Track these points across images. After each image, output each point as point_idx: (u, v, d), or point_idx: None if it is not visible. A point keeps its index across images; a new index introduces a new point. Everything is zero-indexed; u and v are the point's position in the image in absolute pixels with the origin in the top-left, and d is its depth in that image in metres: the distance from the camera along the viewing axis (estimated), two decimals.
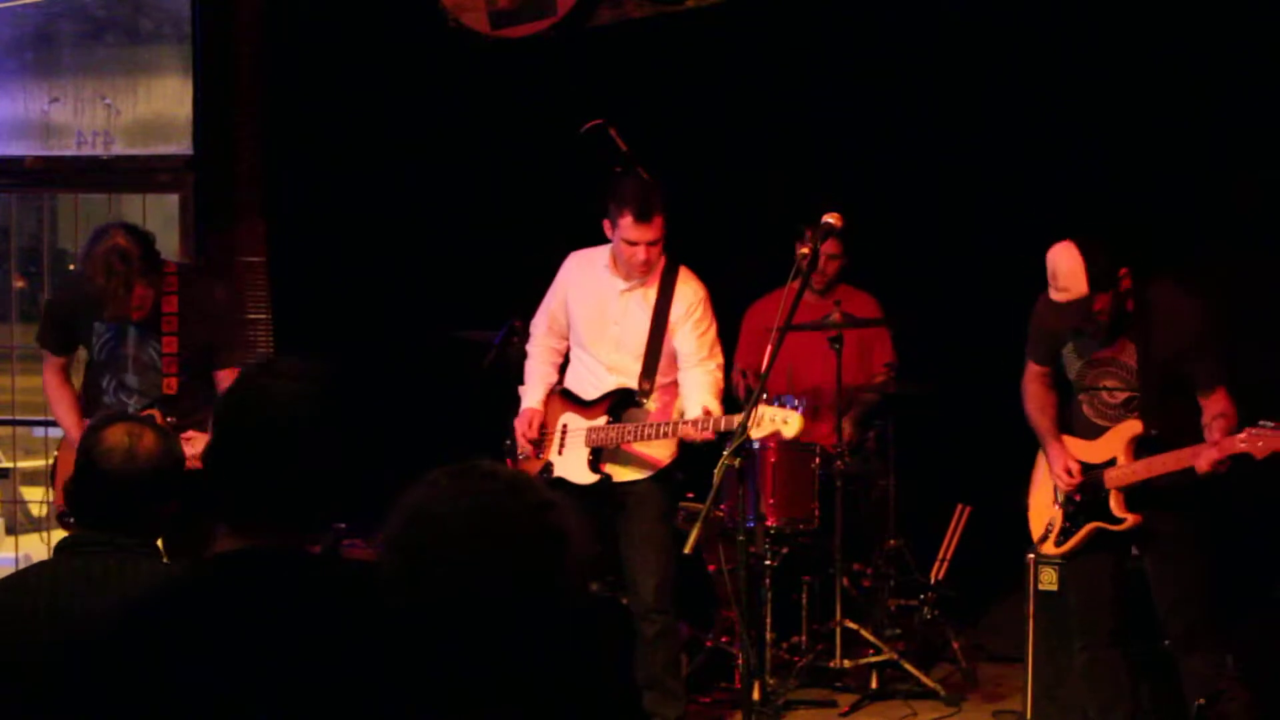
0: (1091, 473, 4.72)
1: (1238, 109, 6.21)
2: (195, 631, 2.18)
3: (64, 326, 5.28)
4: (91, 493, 2.96)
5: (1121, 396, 4.68)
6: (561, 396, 5.46)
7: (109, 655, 2.22)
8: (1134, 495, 4.65)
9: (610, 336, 5.36)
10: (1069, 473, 4.73)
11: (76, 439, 5.06)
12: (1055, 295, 4.56)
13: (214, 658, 2.15)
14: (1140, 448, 4.64)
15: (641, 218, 5.15)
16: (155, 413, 5.05)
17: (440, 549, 2.09)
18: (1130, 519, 4.65)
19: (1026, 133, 6.55)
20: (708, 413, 5.10)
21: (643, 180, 5.31)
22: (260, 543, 2.25)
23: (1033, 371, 4.92)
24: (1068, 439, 4.81)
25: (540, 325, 5.56)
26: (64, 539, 2.96)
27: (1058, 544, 4.84)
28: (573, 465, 5.31)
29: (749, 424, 4.67)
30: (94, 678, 2.22)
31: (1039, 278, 6.44)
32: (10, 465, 7.68)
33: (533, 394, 5.49)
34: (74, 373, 5.44)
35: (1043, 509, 4.90)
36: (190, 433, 4.93)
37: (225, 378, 5.18)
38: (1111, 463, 4.69)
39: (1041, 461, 4.92)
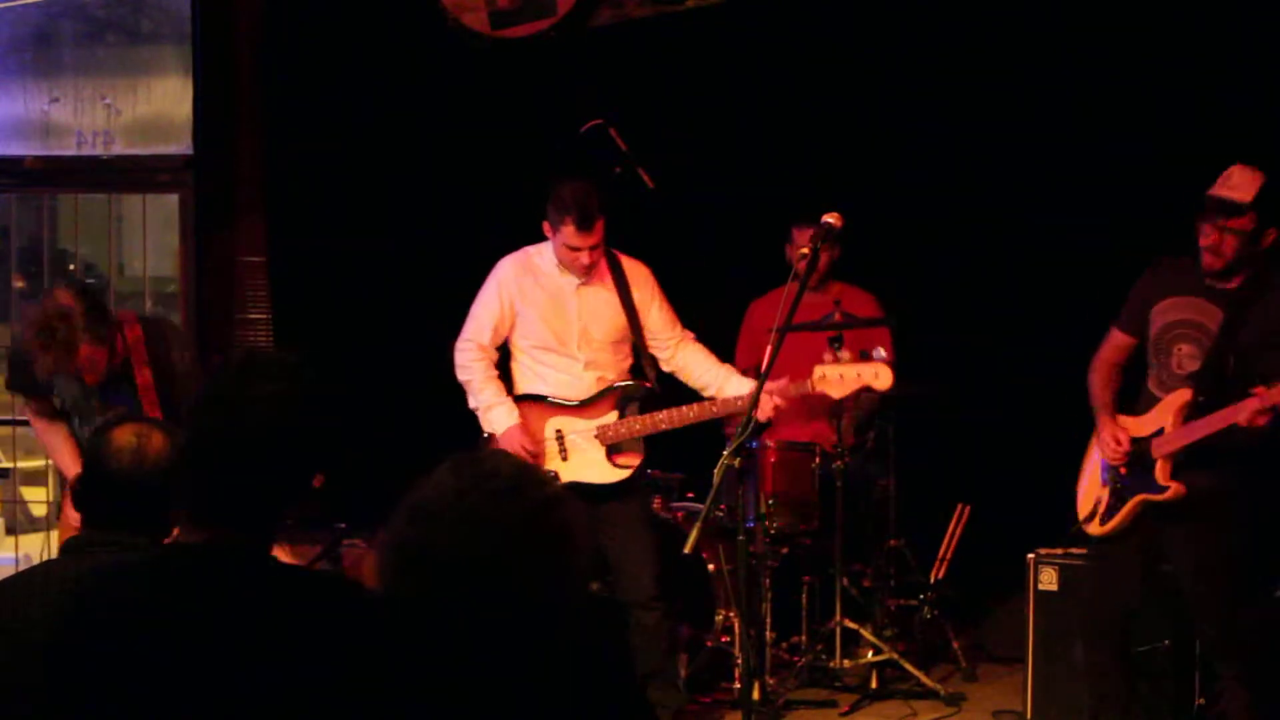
0: (1139, 444, 4.72)
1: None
2: (138, 619, 2.18)
3: (31, 378, 5.01)
4: (100, 493, 2.96)
5: (1190, 367, 4.63)
6: (539, 403, 5.40)
7: (53, 641, 2.24)
8: (1180, 465, 4.62)
9: (577, 333, 5.39)
10: (1117, 442, 4.73)
11: (70, 470, 4.93)
12: (1217, 189, 4.56)
13: (156, 645, 2.15)
14: (1189, 414, 4.60)
15: (583, 226, 5.19)
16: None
17: (441, 546, 2.08)
18: (1173, 488, 4.60)
19: (1028, 132, 6.54)
20: (786, 383, 5.21)
21: (580, 185, 5.30)
22: (220, 537, 2.25)
23: (1111, 340, 4.89)
24: (1121, 416, 4.80)
25: (482, 336, 5.41)
26: (71, 539, 2.96)
27: (1103, 522, 4.81)
28: (588, 467, 5.32)
29: (814, 389, 5.20)
30: (42, 666, 2.23)
31: (1039, 277, 6.48)
32: (10, 465, 7.67)
33: (504, 409, 5.36)
34: None
35: (1092, 489, 4.88)
36: None
37: None
38: (1159, 433, 4.67)
39: (1094, 443, 4.89)
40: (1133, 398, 4.84)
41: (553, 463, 5.33)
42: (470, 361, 5.42)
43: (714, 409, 5.30)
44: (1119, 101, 6.41)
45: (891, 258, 6.59)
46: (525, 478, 2.15)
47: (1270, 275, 4.60)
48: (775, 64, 6.78)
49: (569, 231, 5.21)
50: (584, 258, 5.25)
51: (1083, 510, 4.91)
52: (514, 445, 5.28)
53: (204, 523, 2.26)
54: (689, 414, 5.31)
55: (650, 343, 5.44)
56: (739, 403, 5.16)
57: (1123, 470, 4.74)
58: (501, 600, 2.08)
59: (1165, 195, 6.13)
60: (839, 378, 5.19)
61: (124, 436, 2.96)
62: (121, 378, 4.93)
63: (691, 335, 5.53)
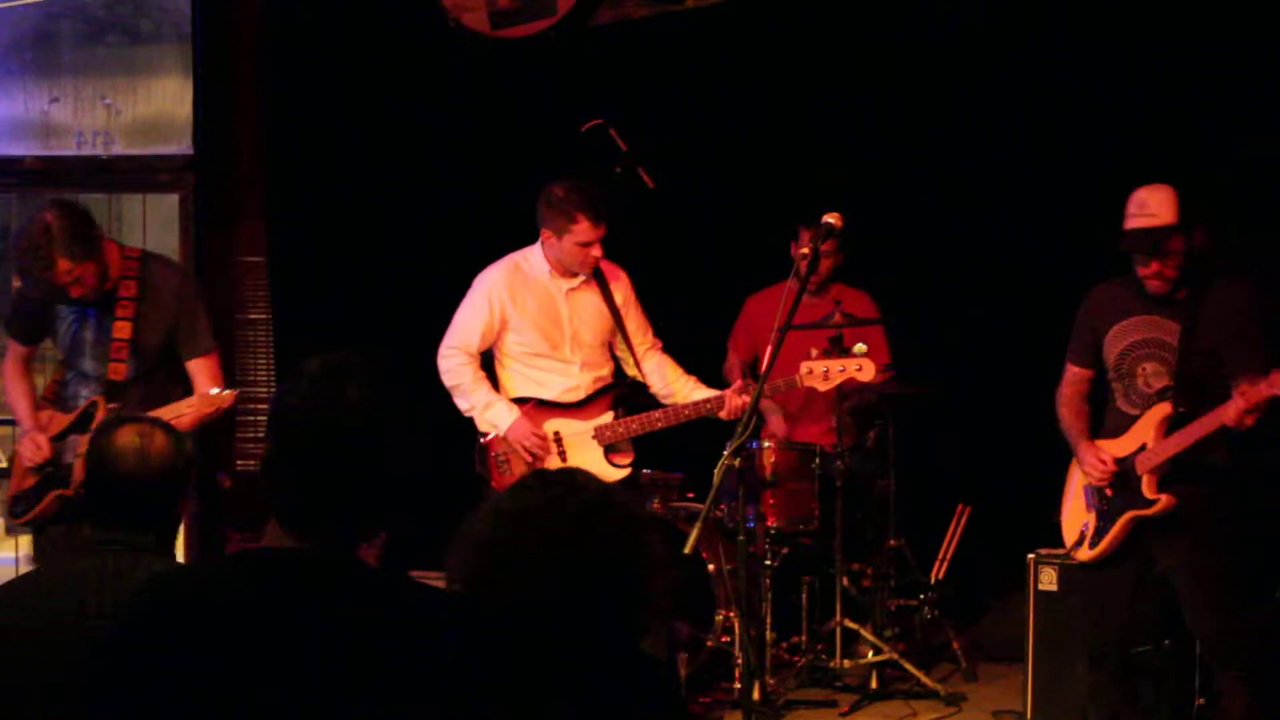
0: (1122, 463, 4.70)
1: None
2: (223, 623, 2.16)
3: (32, 314, 5.08)
4: (105, 494, 2.97)
5: (1158, 384, 4.61)
6: (535, 406, 5.42)
7: (125, 641, 2.21)
8: (1166, 478, 4.60)
9: (568, 337, 5.43)
10: (1102, 463, 4.70)
11: (29, 429, 4.99)
12: (1138, 221, 4.54)
13: (246, 651, 2.13)
14: (1171, 427, 4.58)
15: (599, 220, 5.25)
16: (99, 399, 4.89)
17: (532, 552, 2.12)
18: (1163, 500, 4.57)
19: (1027, 132, 6.54)
20: (740, 386, 5.32)
21: (584, 185, 5.35)
22: (311, 543, 2.22)
23: (1070, 376, 4.88)
24: (1100, 441, 4.78)
25: (470, 343, 5.43)
26: (79, 540, 2.97)
27: (1092, 546, 4.77)
28: (587, 467, 5.30)
29: (801, 384, 5.27)
30: (110, 666, 2.22)
31: (1040, 277, 6.48)
32: (6, 465, 7.67)
33: (502, 406, 5.39)
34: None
35: (1076, 516, 4.84)
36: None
37: (199, 368, 4.99)
38: (1142, 449, 4.65)
39: (1074, 469, 4.86)
40: (1097, 424, 4.84)
41: (552, 463, 5.34)
42: (457, 366, 5.43)
43: (709, 405, 5.33)
44: (1118, 100, 6.42)
45: (892, 258, 6.59)
46: (612, 495, 2.21)
47: (1211, 273, 4.59)
48: (775, 64, 6.79)
49: (583, 229, 5.24)
50: (595, 251, 5.30)
51: (1069, 537, 4.87)
52: (523, 436, 5.32)
53: (294, 528, 2.22)
54: (685, 412, 5.36)
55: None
56: (732, 399, 5.26)
57: (1108, 492, 4.72)
58: (584, 608, 2.13)
59: (1215, 205, 6.13)
60: (824, 372, 5.28)
61: (126, 437, 2.98)
62: (112, 301, 4.90)
63: (660, 344, 5.58)
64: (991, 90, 6.57)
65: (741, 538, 4.79)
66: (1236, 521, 4.63)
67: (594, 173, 5.63)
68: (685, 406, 5.37)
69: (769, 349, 4.50)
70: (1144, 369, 4.65)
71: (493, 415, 5.38)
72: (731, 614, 5.75)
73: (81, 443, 4.73)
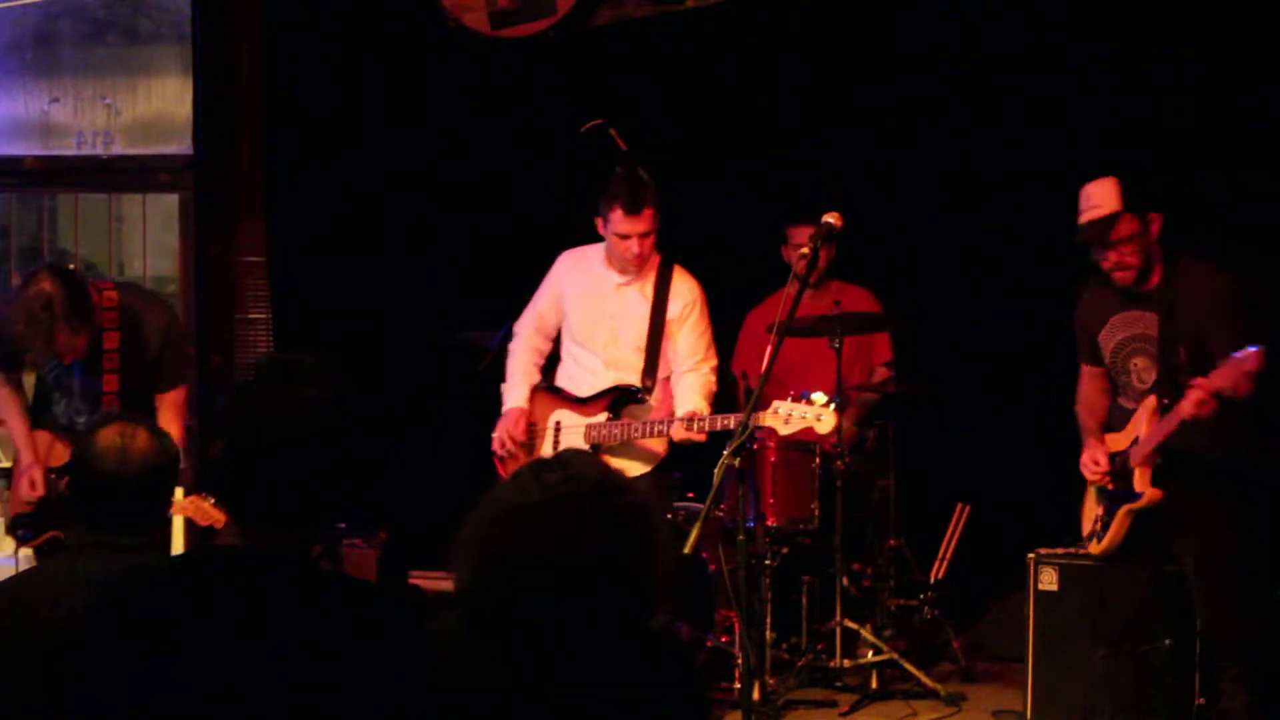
0: (1119, 458, 4.71)
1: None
2: (177, 622, 2.17)
3: (6, 353, 5.01)
4: (88, 494, 2.97)
5: (1150, 378, 4.64)
6: (551, 393, 5.52)
7: (83, 642, 2.23)
8: (1164, 473, 4.61)
9: (606, 330, 5.45)
10: (1095, 463, 4.73)
11: (26, 462, 4.94)
12: (1083, 217, 4.60)
13: (194, 648, 2.14)
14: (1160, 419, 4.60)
15: (631, 210, 5.27)
16: None
17: (531, 549, 2.13)
18: (1148, 494, 4.60)
19: (1027, 131, 6.54)
20: (694, 414, 5.20)
21: (631, 175, 5.37)
22: (262, 541, 2.24)
23: (1083, 374, 4.95)
24: (1109, 436, 4.80)
25: (528, 324, 5.61)
26: (66, 540, 2.97)
27: (1099, 540, 4.82)
28: None
29: (762, 422, 4.98)
30: (67, 667, 2.23)
31: (1040, 277, 6.48)
32: (9, 465, 7.67)
33: (516, 393, 5.53)
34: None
35: (1090, 509, 4.90)
36: None
37: (169, 401, 4.99)
38: (1135, 442, 4.68)
39: None
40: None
41: (545, 451, 5.40)
42: (513, 346, 5.61)
43: (663, 429, 5.30)
44: (1118, 100, 6.41)
45: (891, 258, 6.58)
46: (610, 483, 2.20)
47: (1181, 260, 4.62)
48: (775, 64, 6.78)
49: (618, 217, 5.28)
50: (634, 245, 5.29)
51: (1085, 530, 4.94)
52: (501, 425, 5.47)
53: (247, 526, 2.25)
54: (653, 429, 5.32)
55: (671, 360, 5.45)
56: (680, 426, 5.22)
57: (1110, 487, 4.75)
58: (587, 602, 2.13)
59: (1167, 193, 6.15)
60: (788, 416, 5.09)
61: (108, 437, 2.97)
62: (97, 353, 4.90)
63: (707, 370, 5.49)
64: (991, 89, 6.56)
65: (741, 538, 4.78)
66: (1240, 520, 4.62)
67: (594, 173, 5.63)
68: (649, 424, 5.33)
69: (769, 348, 4.49)
70: (1135, 364, 4.69)
71: (506, 398, 5.54)
72: (731, 614, 5.75)
73: None
